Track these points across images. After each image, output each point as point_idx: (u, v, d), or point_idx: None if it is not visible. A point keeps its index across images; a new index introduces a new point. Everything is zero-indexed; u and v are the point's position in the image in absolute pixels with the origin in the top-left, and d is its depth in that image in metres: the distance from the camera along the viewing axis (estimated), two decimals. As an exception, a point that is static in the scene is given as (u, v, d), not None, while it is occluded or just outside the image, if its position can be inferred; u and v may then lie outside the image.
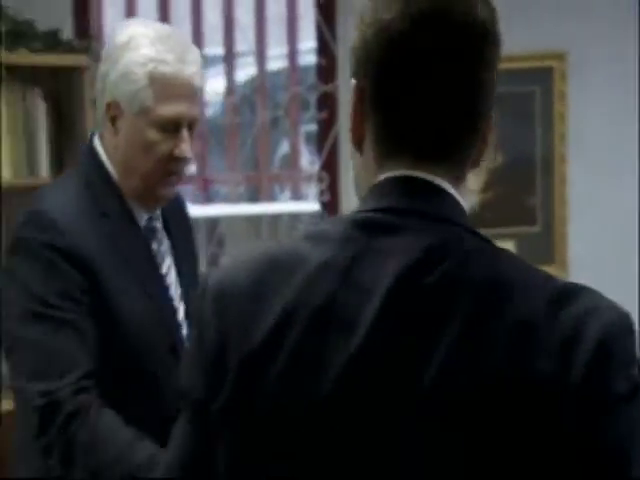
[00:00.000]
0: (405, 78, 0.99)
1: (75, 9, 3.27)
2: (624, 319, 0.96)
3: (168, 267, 1.90)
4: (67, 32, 3.05)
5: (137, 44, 1.77)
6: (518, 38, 2.88)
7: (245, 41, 3.80)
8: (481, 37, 1.01)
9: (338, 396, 0.95)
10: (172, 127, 1.77)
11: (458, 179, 1.02)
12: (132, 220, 1.83)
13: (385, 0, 1.01)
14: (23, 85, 2.97)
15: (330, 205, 3.52)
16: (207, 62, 3.72)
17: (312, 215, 3.59)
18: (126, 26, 1.83)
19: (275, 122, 3.76)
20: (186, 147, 1.78)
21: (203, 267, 3.60)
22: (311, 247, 1.01)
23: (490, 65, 1.02)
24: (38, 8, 3.01)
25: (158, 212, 1.90)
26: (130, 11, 3.64)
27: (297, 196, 3.92)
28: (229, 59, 3.79)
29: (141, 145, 1.78)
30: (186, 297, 1.90)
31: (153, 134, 1.77)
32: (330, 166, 3.62)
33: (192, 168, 3.87)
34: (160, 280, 1.87)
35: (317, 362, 0.96)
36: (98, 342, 1.72)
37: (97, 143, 1.84)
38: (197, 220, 3.68)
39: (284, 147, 4.09)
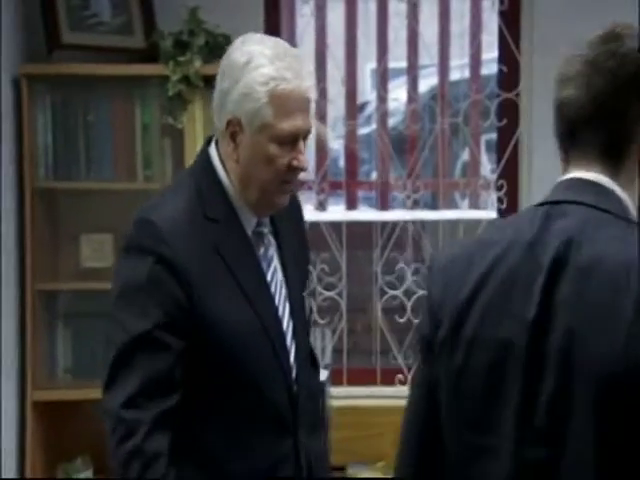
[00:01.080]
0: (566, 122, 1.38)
1: (267, 22, 3.49)
2: None
3: (274, 272, 1.96)
4: (259, 44, 3.24)
5: (257, 64, 1.86)
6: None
7: (427, 54, 3.90)
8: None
9: (512, 342, 1.32)
10: (290, 140, 1.87)
11: (617, 176, 1.35)
12: (240, 227, 1.91)
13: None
14: (218, 93, 3.21)
15: (508, 213, 3.51)
16: (390, 74, 3.86)
17: (489, 222, 3.63)
18: (243, 43, 1.92)
19: (456, 130, 3.83)
20: (303, 158, 1.89)
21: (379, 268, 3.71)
22: (506, 230, 1.39)
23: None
24: (233, 22, 3.23)
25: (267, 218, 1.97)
26: (319, 25, 3.81)
27: (476, 204, 3.97)
28: (412, 71, 3.91)
29: (262, 159, 1.87)
30: (290, 297, 1.97)
31: (273, 148, 1.86)
32: (509, 174, 3.64)
33: (372, 174, 4.01)
34: (265, 289, 1.93)
35: (500, 316, 1.33)
36: (197, 351, 1.81)
37: (213, 152, 1.94)
38: (378, 225, 3.78)
39: (465, 155, 4.16)
